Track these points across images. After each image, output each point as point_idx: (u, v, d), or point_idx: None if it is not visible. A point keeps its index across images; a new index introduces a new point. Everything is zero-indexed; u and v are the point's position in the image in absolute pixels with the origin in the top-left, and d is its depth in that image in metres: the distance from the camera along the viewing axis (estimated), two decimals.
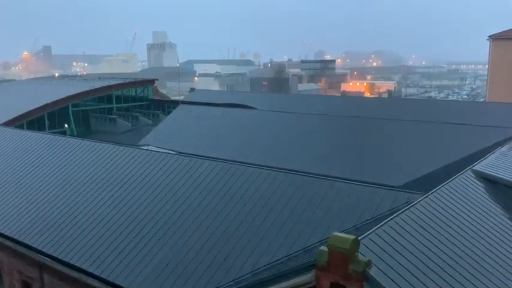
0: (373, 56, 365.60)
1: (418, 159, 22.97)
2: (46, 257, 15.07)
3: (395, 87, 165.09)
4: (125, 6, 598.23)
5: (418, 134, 26.12)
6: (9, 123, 35.86)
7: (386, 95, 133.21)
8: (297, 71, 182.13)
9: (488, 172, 14.05)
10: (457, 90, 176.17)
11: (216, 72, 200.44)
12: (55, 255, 14.86)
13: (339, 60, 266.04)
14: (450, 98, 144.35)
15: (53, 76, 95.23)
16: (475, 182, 13.41)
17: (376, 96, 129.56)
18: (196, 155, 19.02)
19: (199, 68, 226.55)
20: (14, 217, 17.53)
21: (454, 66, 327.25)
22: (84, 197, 17.06)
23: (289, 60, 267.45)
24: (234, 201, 14.16)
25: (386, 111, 35.69)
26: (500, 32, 41.99)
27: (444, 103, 56.45)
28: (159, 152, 19.42)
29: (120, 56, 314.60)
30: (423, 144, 24.73)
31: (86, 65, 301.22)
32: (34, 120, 41.98)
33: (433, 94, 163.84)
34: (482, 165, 14.58)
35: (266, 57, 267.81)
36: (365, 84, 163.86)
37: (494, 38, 41.53)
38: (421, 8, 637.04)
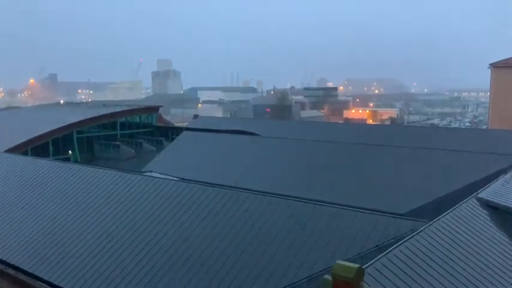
0: (374, 83, 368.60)
1: (421, 186, 22.86)
2: (47, 284, 14.91)
3: (397, 114, 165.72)
4: (131, 35, 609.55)
5: (421, 161, 26.06)
6: (13, 150, 36.01)
7: (389, 122, 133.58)
8: (299, 98, 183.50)
9: (493, 200, 13.98)
10: (460, 118, 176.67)
11: (220, 99, 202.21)
12: (56, 282, 14.70)
13: (341, 88, 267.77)
14: (453, 125, 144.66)
15: (58, 103, 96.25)
16: (480, 210, 13.32)
17: (379, 123, 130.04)
18: (199, 182, 19.00)
19: (202, 95, 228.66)
20: (15, 244, 17.44)
21: (455, 93, 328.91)
22: (87, 223, 16.99)
23: (292, 87, 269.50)
24: (236, 229, 14.07)
25: (390, 137, 35.74)
26: (501, 60, 42.33)
27: (447, 130, 56.58)
28: (161, 178, 19.43)
29: (125, 83, 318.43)
30: (427, 171, 24.64)
31: (91, 92, 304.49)
32: (38, 147, 42.15)
33: (435, 121, 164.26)
34: (487, 193, 14.51)
35: (269, 84, 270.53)
36: (367, 111, 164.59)
37: (496, 66, 41.85)
38: (421, 37, 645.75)
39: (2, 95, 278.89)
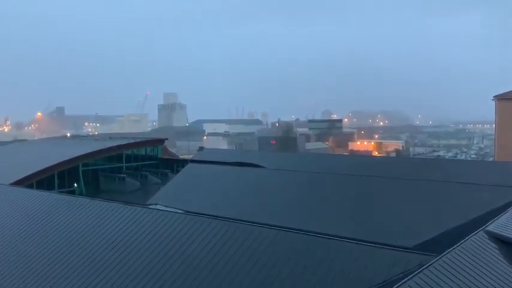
0: (379, 115, 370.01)
1: (429, 219, 22.58)
2: None
3: (403, 146, 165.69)
4: (138, 69, 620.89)
5: (428, 193, 25.83)
6: (19, 183, 36.12)
7: (394, 154, 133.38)
8: (304, 130, 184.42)
9: (502, 233, 13.76)
10: (465, 150, 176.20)
11: (225, 131, 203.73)
12: None
13: (346, 120, 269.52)
14: (459, 157, 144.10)
15: (65, 136, 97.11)
16: (489, 243, 13.10)
17: (385, 155, 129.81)
18: (204, 214, 18.89)
19: (208, 128, 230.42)
20: (17, 279, 17.26)
21: (460, 125, 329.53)
22: (90, 257, 16.82)
23: (297, 119, 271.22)
24: (242, 262, 13.88)
25: (396, 170, 35.57)
26: (505, 93, 42.50)
27: (454, 162, 56.32)
28: (166, 211, 19.35)
29: (132, 116, 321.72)
30: (434, 204, 24.40)
31: (98, 125, 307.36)
32: (44, 180, 42.26)
33: (441, 153, 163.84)
34: (495, 226, 14.30)
35: (274, 116, 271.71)
36: (373, 143, 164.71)
37: (500, 99, 42.00)
38: (425, 69, 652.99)
39: (10, 127, 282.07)
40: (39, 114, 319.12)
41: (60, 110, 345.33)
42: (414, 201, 25.38)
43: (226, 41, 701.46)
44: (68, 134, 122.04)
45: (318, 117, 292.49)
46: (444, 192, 25.48)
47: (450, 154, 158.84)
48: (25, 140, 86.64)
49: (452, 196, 24.68)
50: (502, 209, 17.12)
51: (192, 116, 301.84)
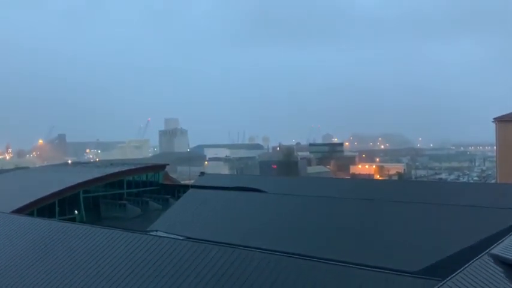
0: (380, 138, 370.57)
1: (433, 243, 22.35)
2: None
3: (404, 169, 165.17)
4: (139, 95, 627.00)
5: (432, 217, 25.64)
6: (19, 211, 35.95)
7: (396, 177, 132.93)
8: (305, 154, 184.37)
9: (506, 256, 13.57)
10: (467, 172, 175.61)
11: (226, 156, 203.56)
12: None
13: (347, 143, 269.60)
14: (461, 179, 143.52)
15: (66, 163, 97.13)
16: (494, 267, 12.92)
17: (387, 178, 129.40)
18: (205, 241, 18.72)
19: (209, 153, 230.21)
20: None
21: (461, 148, 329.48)
22: (92, 285, 16.61)
23: (298, 143, 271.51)
24: None
25: (398, 193, 35.37)
26: (505, 115, 42.66)
27: (456, 185, 56.03)
28: (167, 237, 19.19)
29: (133, 142, 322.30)
30: (438, 227, 24.18)
31: (99, 151, 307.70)
32: (45, 207, 42.06)
33: (443, 176, 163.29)
34: (500, 249, 14.12)
35: (275, 140, 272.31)
36: (374, 166, 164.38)
37: (500, 121, 42.13)
38: (425, 92, 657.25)
39: (11, 155, 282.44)
40: (40, 141, 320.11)
41: (61, 137, 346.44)
42: (418, 224, 25.16)
43: (227, 66, 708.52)
44: (69, 161, 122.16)
45: (318, 141, 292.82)
46: (448, 215, 25.28)
47: (452, 177, 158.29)
48: (26, 168, 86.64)
49: (455, 219, 24.48)
50: (506, 232, 16.96)
51: (193, 141, 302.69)
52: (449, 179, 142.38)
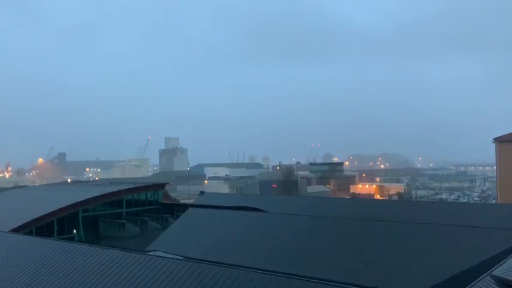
0: (380, 158, 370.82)
1: (434, 263, 22.17)
2: None
3: (405, 189, 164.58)
4: (140, 114, 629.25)
5: (432, 238, 25.48)
6: (18, 230, 35.75)
7: (396, 197, 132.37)
8: (305, 173, 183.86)
9: (508, 277, 13.45)
10: (468, 192, 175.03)
11: (226, 175, 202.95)
12: None
13: (347, 163, 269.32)
14: (461, 200, 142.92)
15: (66, 182, 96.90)
16: None
17: (387, 198, 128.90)
18: (204, 261, 18.57)
19: (209, 172, 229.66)
20: None
21: (462, 168, 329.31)
22: None
23: (298, 163, 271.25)
24: None
25: (398, 213, 35.24)
26: (505, 135, 42.78)
27: (457, 205, 55.72)
28: (166, 257, 19.02)
29: (133, 161, 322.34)
30: (439, 248, 24.01)
31: (99, 170, 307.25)
32: (43, 226, 41.80)
33: (443, 196, 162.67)
34: (501, 270, 14.00)
35: (275, 160, 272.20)
36: (374, 186, 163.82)
37: (500, 141, 42.21)
38: (425, 112, 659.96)
39: (11, 174, 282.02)
40: (40, 160, 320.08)
41: (61, 156, 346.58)
42: (418, 245, 24.99)
43: (226, 86, 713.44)
44: (69, 180, 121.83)
45: (318, 160, 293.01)
46: (448, 235, 25.14)
47: (453, 197, 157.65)
48: (26, 186, 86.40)
49: (456, 240, 24.33)
50: (507, 253, 16.84)
51: (193, 160, 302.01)
52: (449, 199, 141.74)
